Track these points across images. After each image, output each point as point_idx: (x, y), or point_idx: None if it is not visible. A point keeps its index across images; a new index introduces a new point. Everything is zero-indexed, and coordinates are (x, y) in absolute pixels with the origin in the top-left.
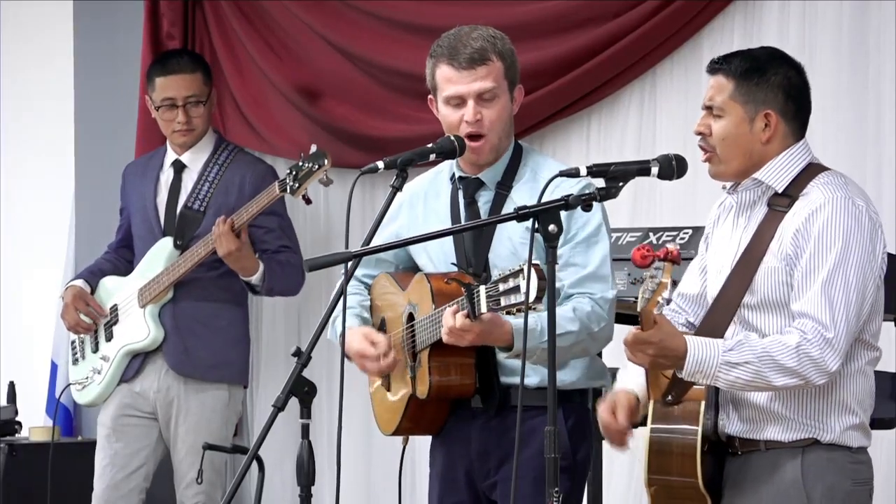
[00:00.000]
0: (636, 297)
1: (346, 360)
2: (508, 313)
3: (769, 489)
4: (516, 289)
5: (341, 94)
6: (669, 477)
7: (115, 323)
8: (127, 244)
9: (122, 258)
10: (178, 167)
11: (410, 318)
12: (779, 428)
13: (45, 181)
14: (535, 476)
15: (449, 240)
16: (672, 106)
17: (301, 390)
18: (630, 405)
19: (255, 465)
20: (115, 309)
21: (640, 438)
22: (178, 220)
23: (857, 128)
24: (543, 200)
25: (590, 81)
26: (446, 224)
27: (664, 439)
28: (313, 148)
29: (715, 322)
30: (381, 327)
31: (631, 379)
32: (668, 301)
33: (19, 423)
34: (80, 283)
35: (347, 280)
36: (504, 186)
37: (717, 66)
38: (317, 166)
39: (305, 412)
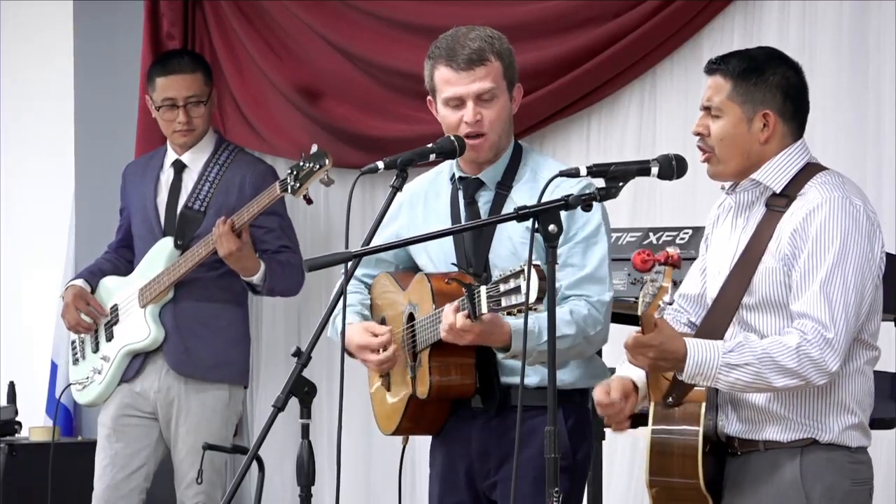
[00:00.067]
0: (636, 298)
1: (346, 357)
2: (509, 314)
3: (769, 489)
4: (517, 289)
5: (341, 94)
6: (671, 478)
7: (115, 323)
8: (127, 244)
9: (123, 258)
10: (179, 167)
11: (411, 317)
12: (778, 428)
13: (45, 181)
14: (535, 476)
15: (449, 240)
16: (672, 106)
17: (301, 390)
18: (625, 386)
19: (255, 465)
20: (115, 309)
21: (642, 439)
22: (178, 221)
23: (857, 128)
24: (543, 200)
25: (590, 81)
26: (446, 224)
27: (665, 440)
28: (314, 148)
29: (714, 323)
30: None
31: (629, 370)
32: (670, 303)
33: (19, 423)
34: (80, 282)
35: (347, 280)
36: (504, 186)
37: (714, 67)
38: (318, 166)
39: (305, 412)
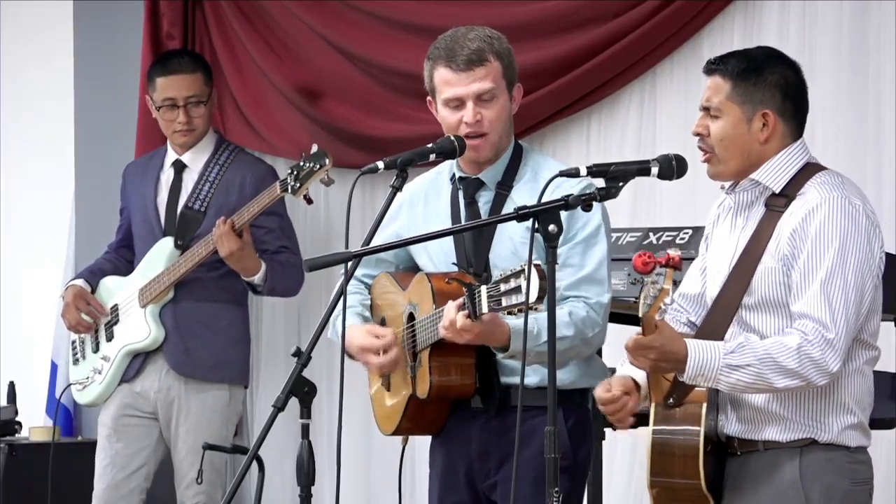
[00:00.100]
0: (636, 298)
1: (346, 358)
2: (510, 313)
3: (768, 490)
4: (518, 289)
5: (341, 94)
6: (672, 479)
7: (115, 323)
8: (127, 244)
9: (123, 258)
10: (179, 167)
11: (411, 317)
12: (777, 428)
13: (45, 181)
14: (535, 476)
15: (449, 240)
16: (672, 106)
17: (301, 390)
18: (626, 383)
19: (255, 465)
20: (115, 309)
21: (642, 440)
22: (178, 221)
23: (857, 128)
24: (543, 200)
25: (590, 81)
26: (446, 224)
27: (666, 441)
28: (314, 148)
29: (715, 324)
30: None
31: (630, 370)
32: (671, 303)
33: (19, 423)
34: (80, 282)
35: (347, 280)
36: (504, 186)
37: (713, 67)
38: (318, 166)
39: (305, 412)
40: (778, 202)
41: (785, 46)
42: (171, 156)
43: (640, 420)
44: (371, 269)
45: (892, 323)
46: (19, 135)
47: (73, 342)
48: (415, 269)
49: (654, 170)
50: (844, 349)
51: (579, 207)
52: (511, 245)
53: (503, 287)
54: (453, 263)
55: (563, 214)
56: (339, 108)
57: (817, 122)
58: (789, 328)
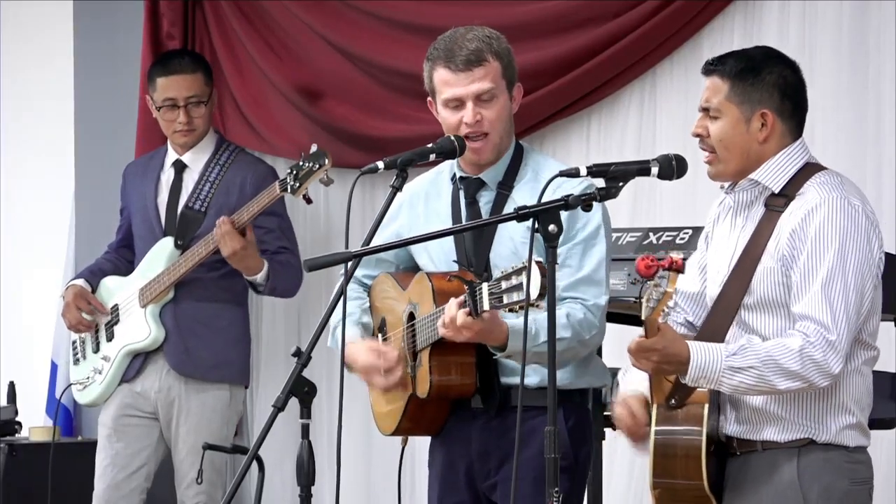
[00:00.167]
0: (636, 298)
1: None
2: (511, 311)
3: (768, 490)
4: (519, 286)
5: (341, 94)
6: (674, 480)
7: (115, 323)
8: (127, 244)
9: (123, 258)
10: (179, 167)
11: (411, 317)
12: (775, 428)
13: (45, 181)
14: (535, 476)
15: (450, 240)
16: (672, 106)
17: (301, 390)
18: (643, 403)
19: (255, 465)
20: (115, 309)
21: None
22: (178, 221)
23: (857, 128)
24: (544, 200)
25: (590, 81)
26: (447, 224)
27: (669, 441)
28: (314, 147)
29: (715, 325)
30: (382, 327)
31: (636, 381)
32: (675, 306)
33: (19, 423)
34: (80, 282)
35: (347, 280)
36: (505, 186)
37: (711, 68)
38: (317, 166)
39: (305, 412)
40: (777, 202)
41: (785, 46)
42: (171, 156)
43: None
44: (371, 270)
45: (892, 323)
46: (19, 135)
47: (74, 342)
48: (415, 269)
49: (654, 170)
50: (846, 350)
51: (579, 207)
52: (512, 245)
53: (504, 284)
54: (454, 261)
55: (564, 214)
56: (339, 108)
57: (817, 122)
58: (791, 330)
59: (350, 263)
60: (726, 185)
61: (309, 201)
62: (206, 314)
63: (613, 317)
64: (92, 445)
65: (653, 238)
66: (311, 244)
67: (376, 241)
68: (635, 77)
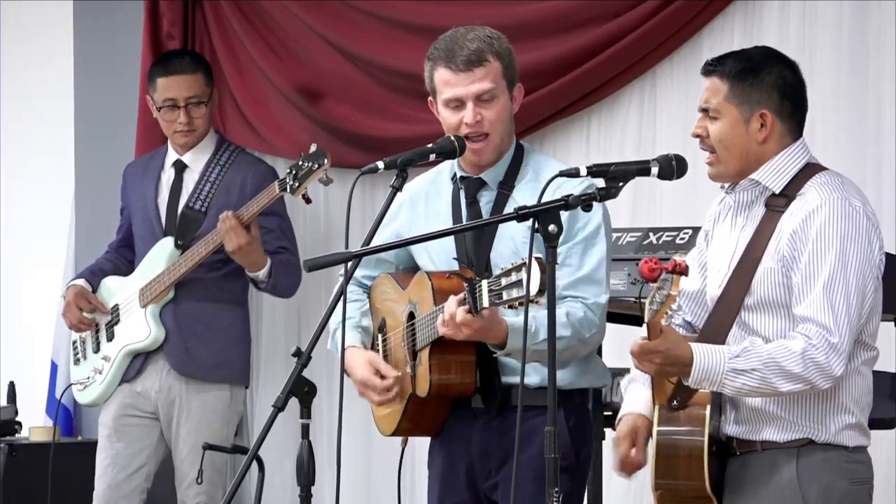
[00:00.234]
0: (636, 298)
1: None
2: (511, 307)
3: (767, 490)
4: (518, 283)
5: (341, 94)
6: (676, 481)
7: (116, 323)
8: (128, 244)
9: (123, 258)
10: (180, 167)
11: (411, 316)
12: (775, 429)
13: (45, 181)
14: (536, 476)
15: (450, 239)
16: (672, 106)
17: (301, 390)
18: (647, 433)
19: (255, 465)
20: (116, 309)
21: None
22: (179, 221)
23: (857, 128)
24: (544, 200)
25: (590, 81)
26: (447, 224)
27: (671, 442)
28: (313, 147)
29: (717, 325)
30: (382, 328)
31: (638, 398)
32: (679, 309)
33: (19, 423)
34: (81, 282)
35: (347, 280)
36: (506, 186)
37: (711, 68)
38: (317, 165)
39: (305, 412)
40: (778, 202)
41: (785, 46)
42: (171, 156)
43: None
44: (371, 270)
45: (892, 323)
46: (19, 135)
47: (74, 342)
48: (415, 269)
49: (654, 170)
50: (848, 352)
51: (580, 207)
52: (512, 244)
53: (504, 281)
54: (454, 259)
55: (564, 214)
56: (339, 108)
57: (817, 122)
58: (793, 332)
59: (350, 263)
60: (727, 185)
61: (308, 201)
62: (207, 314)
63: (613, 317)
64: (92, 445)
65: (653, 238)
66: (311, 244)
67: (376, 241)
68: (635, 77)
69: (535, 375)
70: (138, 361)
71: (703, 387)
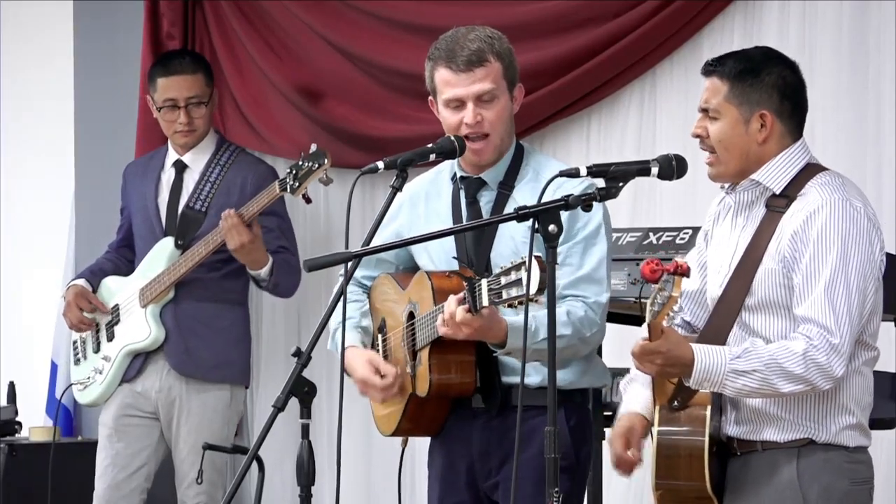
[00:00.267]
0: (636, 298)
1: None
2: (510, 306)
3: (768, 490)
4: (518, 281)
5: (341, 94)
6: (677, 481)
7: (116, 323)
8: (128, 244)
9: (123, 258)
10: (180, 167)
11: (411, 316)
12: (775, 429)
13: (45, 181)
14: (536, 476)
15: (450, 239)
16: (672, 106)
17: (301, 390)
18: (644, 433)
19: (255, 465)
20: (116, 308)
21: (647, 442)
22: (179, 220)
23: (857, 128)
24: (544, 200)
25: (590, 81)
26: (448, 224)
27: (672, 442)
28: (313, 147)
29: (717, 326)
30: (382, 328)
31: (637, 398)
32: (680, 310)
33: (19, 423)
34: (81, 282)
35: (347, 280)
36: (506, 186)
37: (711, 68)
38: (317, 165)
39: (305, 412)
40: (778, 203)
41: (785, 46)
42: (172, 156)
43: None
44: (371, 270)
45: (892, 323)
46: (19, 135)
47: (75, 342)
48: (415, 269)
49: (654, 170)
50: (849, 353)
51: (580, 207)
52: (512, 244)
53: (504, 280)
54: (454, 258)
55: (564, 214)
56: (339, 108)
57: (817, 122)
58: (794, 333)
59: (350, 263)
60: (727, 185)
61: (308, 201)
62: (207, 314)
63: (613, 317)
64: (92, 445)
65: (653, 238)
66: (311, 244)
67: (376, 241)
68: (635, 77)
69: (535, 375)
70: (138, 361)
71: (703, 388)
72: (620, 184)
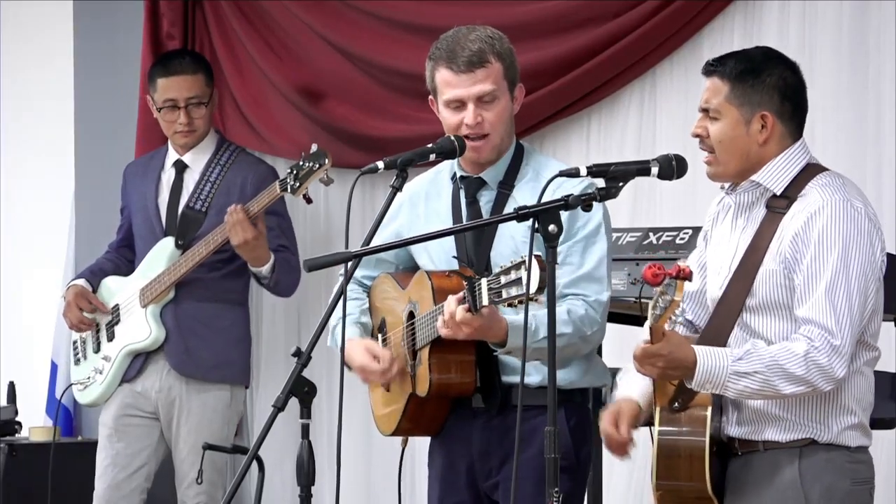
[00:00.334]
0: (636, 298)
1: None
2: (510, 305)
3: (769, 490)
4: (518, 281)
5: (341, 94)
6: (678, 482)
7: (116, 323)
8: (128, 244)
9: (123, 258)
10: (180, 167)
11: (411, 316)
12: (777, 429)
13: (45, 181)
14: (536, 476)
15: (450, 239)
16: (672, 106)
17: (301, 390)
18: (633, 415)
19: (255, 465)
20: (116, 308)
21: (642, 440)
22: (179, 221)
23: (857, 128)
24: (544, 200)
25: (590, 81)
26: (447, 223)
27: (672, 443)
28: (314, 147)
29: (718, 327)
30: (382, 327)
31: (632, 385)
32: (683, 312)
33: (19, 423)
34: (81, 282)
35: (347, 280)
36: (506, 185)
37: (712, 68)
38: (317, 165)
39: (305, 412)
40: (779, 204)
41: (785, 46)
42: (172, 156)
43: None
44: (371, 270)
45: (892, 323)
46: (19, 135)
47: (75, 342)
48: (415, 268)
49: (654, 170)
50: (850, 354)
51: (580, 207)
52: (513, 244)
53: (503, 279)
54: (454, 257)
55: (564, 214)
56: (339, 108)
57: (817, 122)
58: (795, 334)
59: (350, 263)
60: (727, 185)
61: (309, 201)
62: (207, 314)
63: (613, 317)
64: (92, 445)
65: (653, 238)
66: (311, 244)
67: (376, 241)
68: (635, 77)
69: (535, 375)
70: (139, 361)
71: (705, 389)
72: (620, 184)
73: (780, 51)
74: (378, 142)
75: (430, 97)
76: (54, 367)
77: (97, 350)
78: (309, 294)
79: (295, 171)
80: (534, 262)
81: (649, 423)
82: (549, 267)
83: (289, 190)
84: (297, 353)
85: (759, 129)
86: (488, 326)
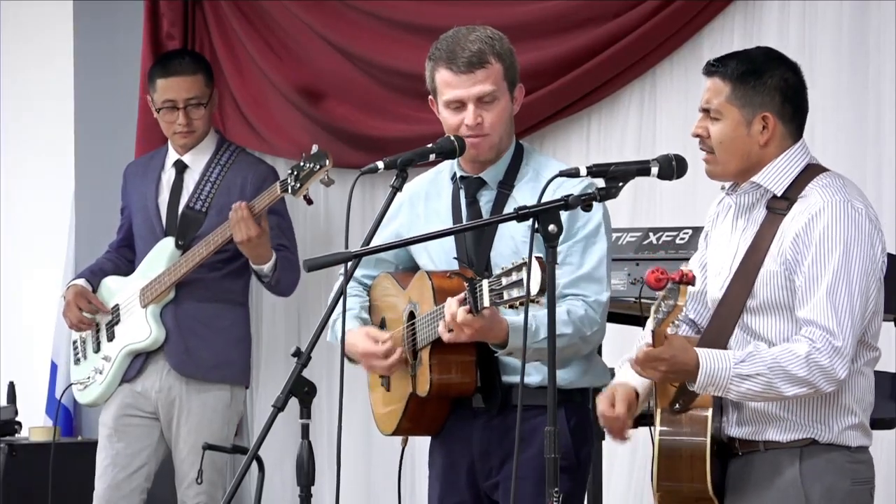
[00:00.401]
0: (636, 298)
1: (346, 361)
2: (511, 307)
3: (770, 490)
4: (519, 282)
5: (341, 94)
6: (679, 483)
7: (116, 323)
8: (128, 244)
9: (124, 258)
10: (180, 167)
11: (411, 316)
12: (778, 429)
13: (45, 181)
14: (536, 476)
15: (450, 239)
16: (672, 106)
17: (301, 390)
18: (629, 397)
19: (255, 465)
20: (116, 308)
21: (642, 440)
22: (179, 221)
23: (857, 128)
24: (544, 200)
25: (590, 81)
26: (447, 224)
27: (673, 444)
28: (314, 148)
29: (719, 328)
30: (382, 327)
31: (629, 375)
32: (685, 317)
33: (19, 423)
34: (81, 281)
35: (347, 280)
36: (506, 185)
37: (713, 69)
38: (318, 166)
39: (305, 412)
40: (780, 205)
41: (785, 47)
42: (172, 156)
43: (639, 420)
44: (371, 270)
45: (893, 323)
46: (19, 135)
47: (75, 342)
48: (415, 268)
49: (654, 170)
50: (851, 355)
51: (580, 207)
52: (513, 244)
53: (504, 280)
54: (454, 258)
55: (564, 214)
56: (339, 108)
57: (817, 122)
58: (797, 335)
59: (350, 263)
60: (727, 185)
61: (310, 202)
62: (207, 314)
63: (613, 317)
64: (92, 445)
65: (653, 238)
66: (311, 244)
67: (376, 241)
68: (635, 77)
69: (535, 375)
70: (139, 361)
71: (708, 392)
72: (620, 184)
73: (780, 51)
74: (378, 142)
75: (430, 97)
76: (54, 367)
77: (97, 350)
78: (309, 294)
79: (296, 172)
80: (534, 263)
81: (649, 423)
82: (548, 267)
83: (289, 191)
84: (297, 353)
85: (761, 131)
86: (489, 328)
